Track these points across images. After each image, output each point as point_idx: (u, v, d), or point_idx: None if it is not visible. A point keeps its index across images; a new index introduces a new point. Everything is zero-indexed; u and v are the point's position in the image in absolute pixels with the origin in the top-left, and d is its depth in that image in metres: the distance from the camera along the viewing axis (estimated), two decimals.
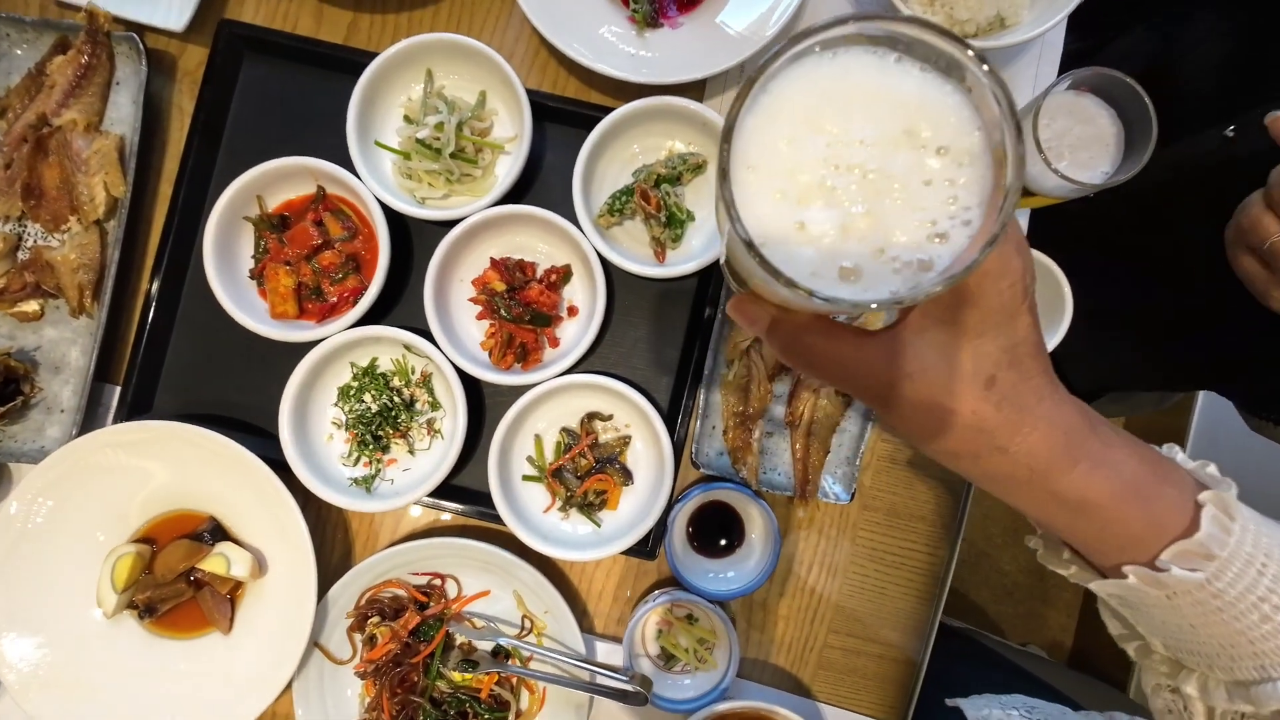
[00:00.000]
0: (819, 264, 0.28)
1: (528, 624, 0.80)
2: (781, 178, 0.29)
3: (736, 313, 0.36)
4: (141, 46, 0.80)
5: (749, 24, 0.78)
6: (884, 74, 0.28)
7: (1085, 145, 0.67)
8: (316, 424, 0.80)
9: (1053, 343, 0.70)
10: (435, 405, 0.81)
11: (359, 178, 0.76)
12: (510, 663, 0.80)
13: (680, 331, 0.82)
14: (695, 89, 0.83)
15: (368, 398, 0.79)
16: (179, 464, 0.78)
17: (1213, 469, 0.39)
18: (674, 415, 0.80)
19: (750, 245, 0.28)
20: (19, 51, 0.82)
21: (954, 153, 0.28)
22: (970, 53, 0.27)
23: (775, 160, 0.29)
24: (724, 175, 0.28)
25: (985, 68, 0.27)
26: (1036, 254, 0.72)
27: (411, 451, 0.81)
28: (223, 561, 0.77)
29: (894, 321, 0.33)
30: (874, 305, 0.27)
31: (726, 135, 0.28)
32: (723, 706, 0.74)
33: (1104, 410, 1.06)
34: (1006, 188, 0.26)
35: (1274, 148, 0.71)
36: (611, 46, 0.79)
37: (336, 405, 0.80)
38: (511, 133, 0.81)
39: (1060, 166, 0.64)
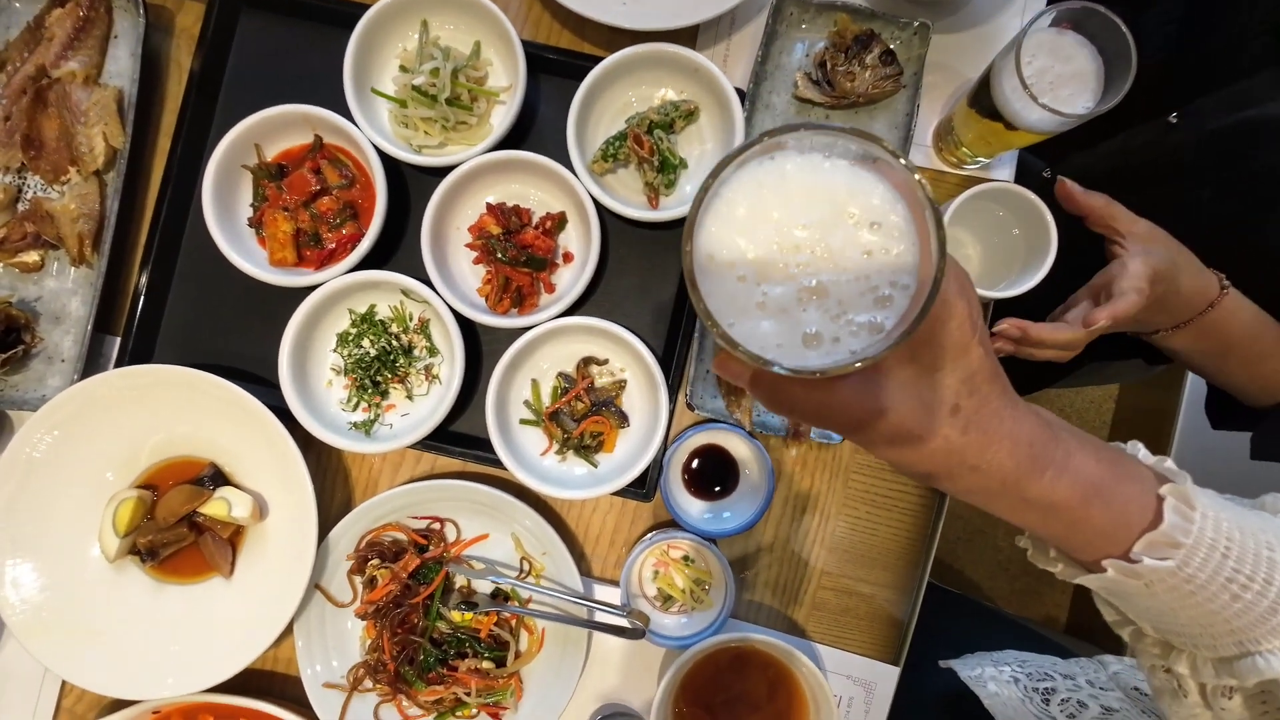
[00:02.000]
0: (782, 335, 0.33)
1: (526, 566, 0.81)
2: (738, 262, 0.33)
3: (721, 369, 0.41)
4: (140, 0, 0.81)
5: None
6: (816, 170, 0.33)
7: (1065, 82, 0.68)
8: (316, 370, 0.81)
9: (1039, 276, 0.72)
10: (433, 351, 0.82)
11: (356, 125, 0.77)
12: (509, 604, 0.81)
13: (674, 277, 0.83)
14: (687, 36, 0.84)
15: (366, 343, 0.80)
16: (181, 409, 0.79)
17: (1170, 464, 0.43)
18: (669, 359, 0.81)
19: (714, 323, 0.32)
20: (18, 4, 0.83)
21: (885, 227, 0.33)
22: (884, 147, 0.31)
23: (731, 248, 0.33)
24: (687, 264, 0.32)
25: (902, 161, 0.31)
26: (1023, 191, 0.73)
27: (410, 397, 0.82)
28: (223, 505, 0.78)
29: (868, 366, 0.37)
30: (835, 370, 0.31)
31: (688, 234, 0.33)
32: (718, 639, 0.75)
33: (1087, 379, 1.09)
34: (934, 250, 0.30)
35: (1215, 135, 0.74)
36: None
37: (335, 351, 0.81)
38: (506, 83, 0.82)
39: (1044, 101, 0.65)
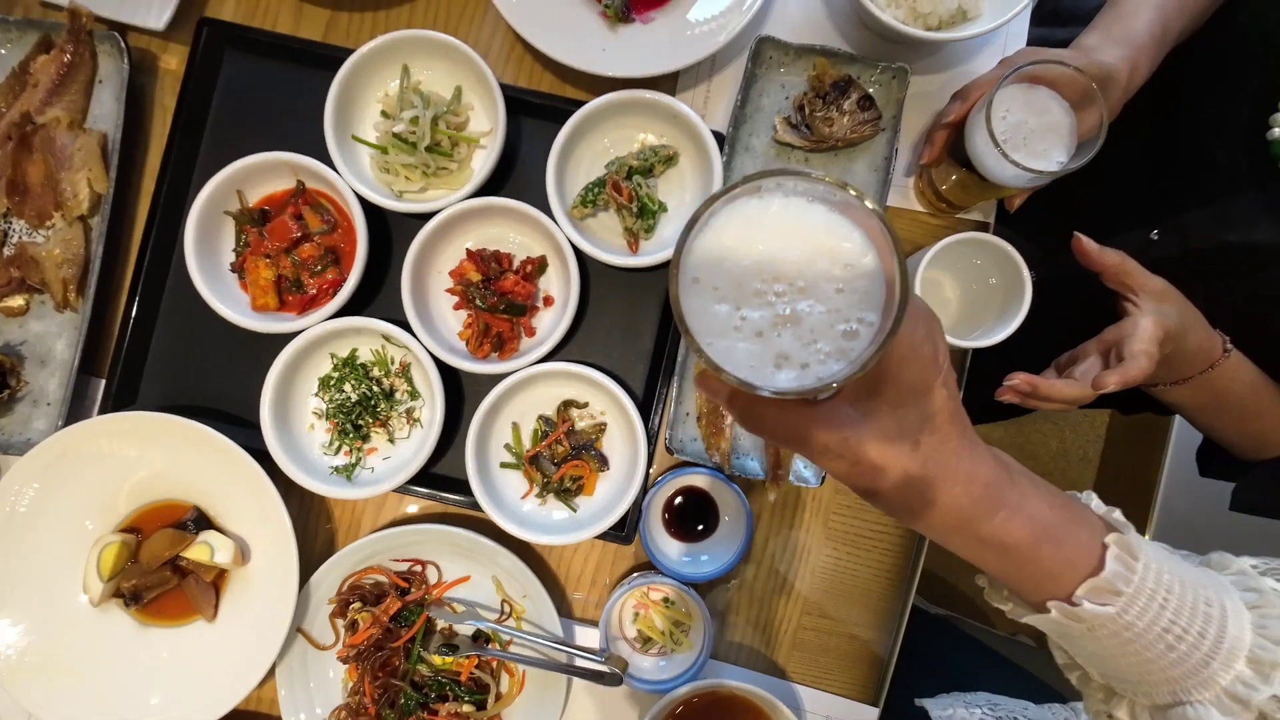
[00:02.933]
0: (756, 357, 0.35)
1: (507, 608, 0.82)
2: (721, 288, 0.36)
3: (701, 385, 0.43)
4: (123, 45, 0.82)
5: (718, 18, 0.80)
6: (799, 211, 0.36)
7: (1040, 136, 0.68)
8: (298, 414, 0.82)
9: (1012, 326, 0.72)
10: (414, 394, 0.82)
11: (337, 172, 0.78)
12: (490, 646, 0.81)
13: (654, 320, 0.84)
14: (667, 82, 0.85)
15: (348, 387, 0.81)
16: (164, 454, 0.80)
17: (1118, 514, 0.45)
18: (648, 402, 0.81)
19: (694, 341, 0.35)
20: (2, 51, 0.84)
21: (856, 269, 0.36)
22: (860, 199, 0.34)
23: (715, 274, 0.36)
24: (673, 285, 0.35)
25: (869, 205, 0.34)
26: (1000, 243, 0.73)
27: (391, 440, 0.82)
28: (206, 549, 0.78)
29: (833, 395, 0.40)
30: (800, 392, 0.34)
31: (677, 258, 0.35)
32: (694, 685, 0.76)
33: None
34: (898, 293, 0.33)
35: (1200, 254, 0.75)
36: (584, 41, 0.80)
37: (317, 395, 0.82)
38: (487, 127, 0.82)
39: (1017, 157, 0.65)
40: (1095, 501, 0.46)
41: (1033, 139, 0.68)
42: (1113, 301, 0.72)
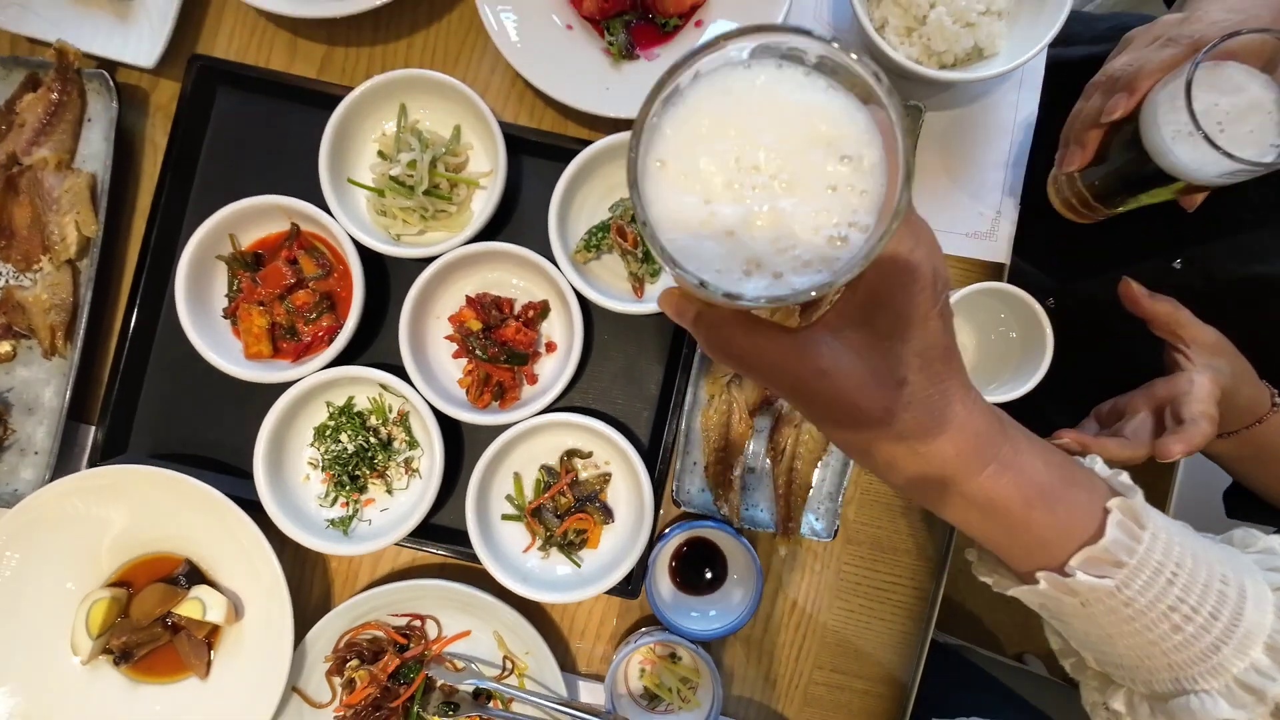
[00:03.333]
0: (723, 260, 0.30)
1: (509, 665, 0.79)
2: (690, 174, 0.30)
3: (665, 305, 0.38)
4: (112, 84, 0.79)
5: None
6: (794, 86, 0.30)
7: (1241, 118, 0.57)
8: (293, 465, 0.79)
9: (1032, 382, 0.69)
10: (413, 444, 0.80)
11: (332, 216, 0.75)
12: (491, 705, 0.79)
13: (659, 366, 0.81)
14: None
15: (344, 438, 0.78)
16: (151, 507, 0.77)
17: (1125, 477, 0.39)
18: (654, 451, 0.79)
19: (654, 236, 0.29)
20: None
21: (855, 161, 0.30)
22: (871, 69, 0.28)
23: (684, 158, 0.30)
24: (633, 168, 0.30)
25: (885, 84, 0.28)
26: (1028, 299, 0.70)
27: (390, 491, 0.80)
28: (198, 606, 0.76)
29: (813, 321, 0.35)
30: (767, 301, 0.29)
31: (638, 131, 0.30)
32: None
33: None
34: (898, 195, 0.28)
35: (1225, 285, 0.72)
36: (587, 80, 0.78)
37: (313, 445, 0.79)
38: (487, 167, 0.80)
39: (1226, 145, 0.53)
40: (1100, 465, 0.41)
41: (1230, 123, 0.57)
42: (1161, 351, 0.68)
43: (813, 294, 0.28)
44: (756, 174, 0.30)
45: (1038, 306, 0.69)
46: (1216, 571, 0.37)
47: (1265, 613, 0.37)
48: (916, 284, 0.32)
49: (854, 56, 0.28)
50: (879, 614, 0.82)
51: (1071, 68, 0.88)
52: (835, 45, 0.28)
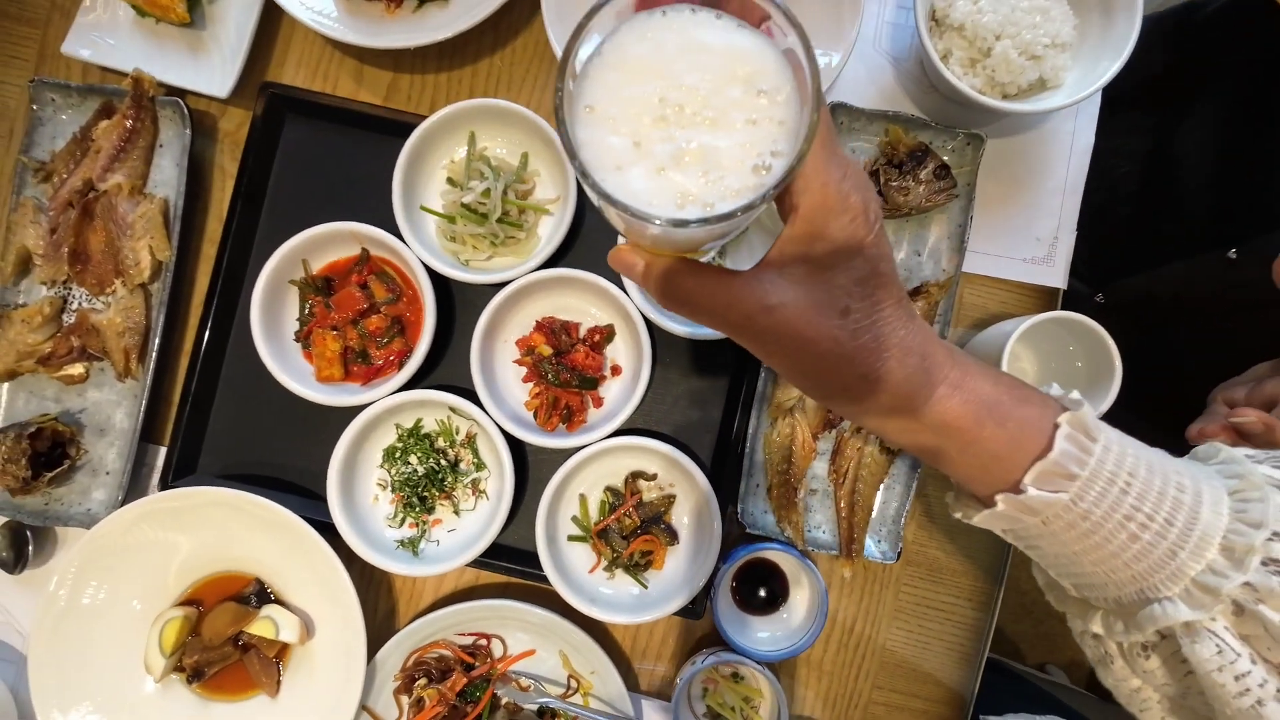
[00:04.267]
0: (656, 194, 0.31)
1: (573, 684, 0.80)
2: (619, 117, 0.32)
3: (615, 261, 0.39)
4: (186, 111, 0.81)
5: None
6: (708, 29, 0.32)
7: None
8: (362, 486, 0.80)
9: (1104, 405, 0.70)
10: (480, 466, 0.81)
11: (404, 242, 0.77)
12: None
13: (723, 389, 0.82)
14: None
15: (413, 459, 0.80)
16: (222, 527, 0.79)
17: (1076, 394, 0.40)
18: (718, 474, 0.80)
19: (585, 175, 0.31)
20: (64, 116, 0.83)
21: (771, 94, 0.32)
22: (775, 7, 0.31)
23: (612, 102, 0.32)
24: (561, 113, 0.31)
25: (788, 20, 0.31)
26: (1100, 331, 0.70)
27: (457, 512, 0.81)
28: (270, 625, 0.77)
29: (758, 264, 0.36)
30: (702, 223, 0.30)
31: (564, 77, 0.31)
32: None
33: None
34: (810, 118, 0.30)
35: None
36: None
37: (382, 467, 0.81)
38: (554, 193, 0.81)
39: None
40: (1055, 389, 0.42)
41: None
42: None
43: (744, 214, 0.30)
44: (682, 113, 0.32)
45: (1108, 337, 0.70)
46: (1172, 480, 0.37)
47: (1220, 514, 0.36)
48: (847, 214, 0.34)
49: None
50: (937, 634, 0.83)
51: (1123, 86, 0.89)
52: None
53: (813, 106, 0.30)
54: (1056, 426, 0.37)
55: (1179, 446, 0.44)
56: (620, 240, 0.42)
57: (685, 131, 0.32)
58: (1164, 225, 0.90)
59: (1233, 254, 0.77)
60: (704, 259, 0.41)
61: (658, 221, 0.30)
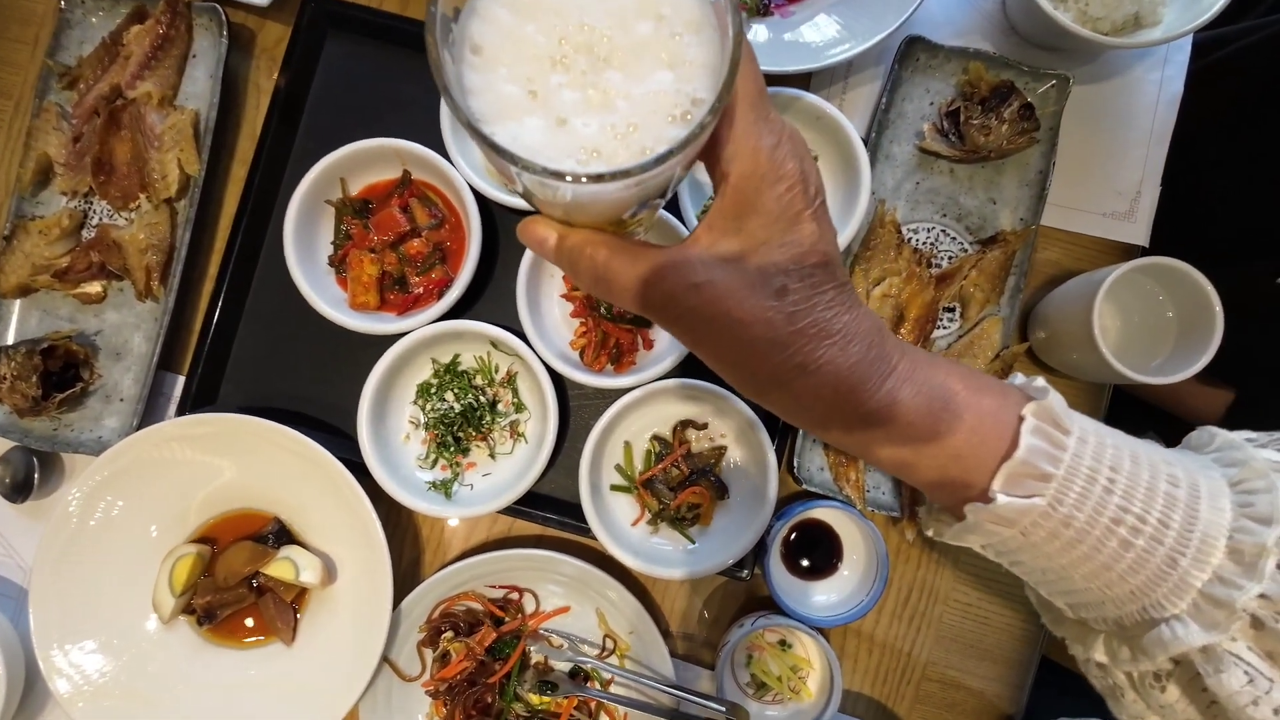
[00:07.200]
0: (558, 150, 0.27)
1: (610, 644, 0.75)
2: (513, 61, 0.27)
3: (524, 234, 0.34)
4: (224, 19, 0.76)
5: (862, 17, 0.74)
6: None
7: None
8: (393, 423, 0.75)
9: (1200, 363, 0.65)
10: (520, 407, 0.76)
11: (451, 163, 0.72)
12: (590, 685, 0.75)
13: None
14: (798, 82, 0.79)
15: (450, 396, 0.75)
16: (244, 460, 0.74)
17: (1040, 381, 0.35)
18: (772, 425, 0.75)
19: (474, 128, 0.26)
20: (94, 19, 0.78)
21: (688, 33, 0.28)
22: None
23: (505, 41, 0.27)
24: (438, 58, 0.26)
25: None
26: (1185, 268, 0.66)
27: (492, 455, 0.76)
28: (289, 567, 0.72)
29: (684, 239, 0.32)
30: (620, 173, 0.25)
31: (435, 20, 0.26)
32: None
33: None
34: (728, 60, 0.26)
35: None
36: None
37: (415, 403, 0.76)
38: None
39: None
40: (1019, 378, 0.36)
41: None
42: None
43: (657, 167, 0.26)
44: (586, 55, 0.27)
45: (1207, 284, 0.65)
46: (1162, 471, 0.32)
47: (1222, 510, 0.31)
48: (783, 183, 0.30)
49: None
50: (998, 610, 0.78)
51: (1218, 48, 0.85)
52: None
53: (733, 45, 0.26)
54: (1021, 419, 0.32)
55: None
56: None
57: (589, 76, 0.27)
58: (1260, 214, 0.85)
59: None
60: (634, 233, 0.36)
61: (568, 179, 0.25)
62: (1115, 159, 0.79)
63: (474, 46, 0.27)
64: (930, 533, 0.38)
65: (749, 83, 0.29)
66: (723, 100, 0.26)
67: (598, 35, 0.27)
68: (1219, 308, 0.64)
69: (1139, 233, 0.78)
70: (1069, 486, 0.31)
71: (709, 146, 0.30)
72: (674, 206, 0.73)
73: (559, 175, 0.25)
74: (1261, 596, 0.30)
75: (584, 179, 0.25)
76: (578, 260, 0.32)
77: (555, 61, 0.27)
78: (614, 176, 0.25)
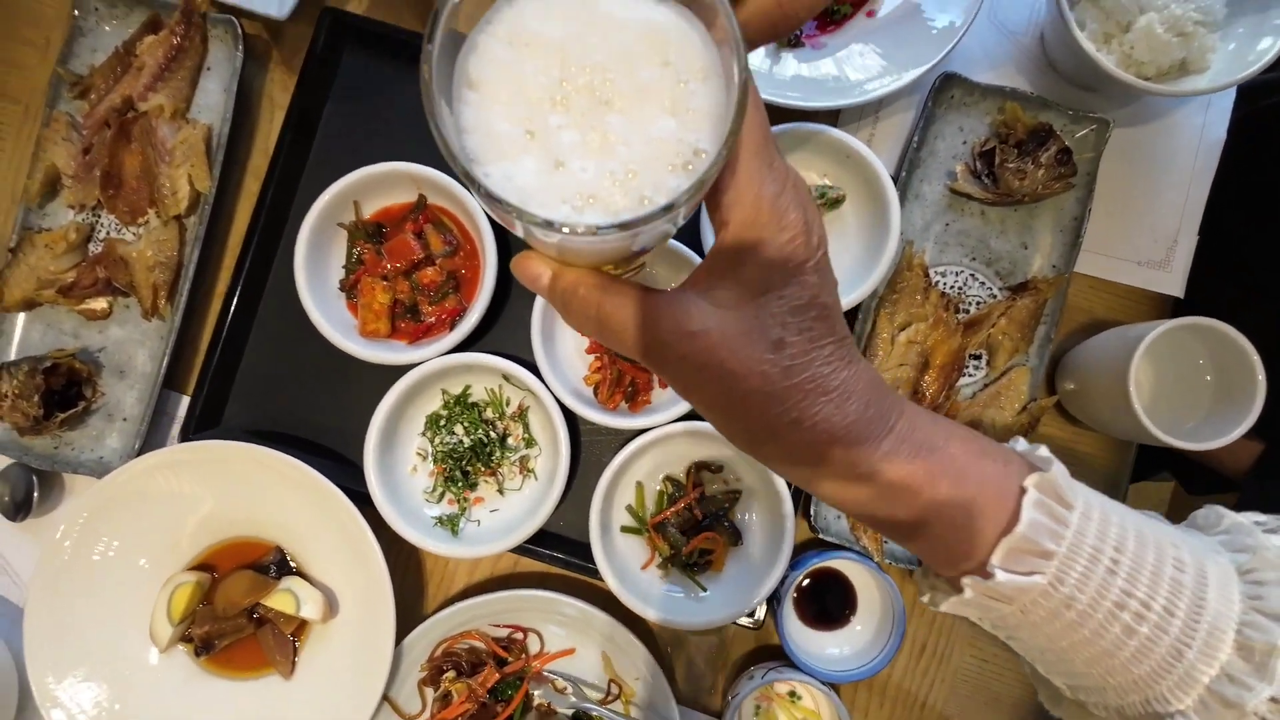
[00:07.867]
0: (553, 194, 0.26)
1: (615, 689, 0.73)
2: (510, 100, 0.26)
3: (517, 269, 0.33)
4: (239, 31, 0.74)
5: (899, 48, 0.72)
6: (622, 3, 0.27)
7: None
8: (401, 454, 0.73)
9: (1244, 425, 0.63)
10: (530, 442, 0.74)
11: (466, 188, 0.70)
12: None
13: None
14: (826, 118, 0.76)
15: (459, 429, 0.73)
16: (244, 487, 0.72)
17: (1043, 450, 0.33)
18: None
19: (469, 175, 0.25)
20: (107, 28, 0.77)
21: (695, 81, 0.27)
22: None
23: (502, 78, 0.26)
24: (430, 90, 0.25)
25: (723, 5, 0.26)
26: (1232, 333, 0.63)
27: (501, 491, 0.74)
28: (290, 599, 0.70)
29: (681, 284, 0.31)
30: (620, 225, 0.24)
31: (431, 45, 0.25)
32: None
33: None
34: (736, 102, 0.25)
35: None
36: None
37: (424, 435, 0.74)
38: None
39: None
40: (1021, 444, 0.35)
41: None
42: None
43: (659, 219, 0.25)
44: (588, 96, 0.26)
45: (1249, 347, 0.62)
46: (1168, 554, 0.31)
47: (1231, 600, 0.30)
48: (785, 233, 0.29)
49: None
50: (1014, 663, 0.76)
51: (1265, 91, 0.82)
52: None
53: (739, 94, 0.25)
54: (1023, 491, 0.31)
55: None
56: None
57: (590, 118, 0.26)
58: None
59: None
60: (628, 275, 0.35)
61: (563, 230, 0.24)
62: (1152, 205, 0.76)
63: (470, 82, 0.26)
64: (925, 600, 0.36)
65: (754, 129, 0.28)
66: (726, 153, 0.25)
67: (600, 77, 0.26)
68: (1262, 376, 0.62)
69: (1174, 283, 0.76)
70: (1071, 565, 0.30)
71: (710, 191, 0.29)
72: (694, 226, 0.71)
73: (553, 226, 0.24)
74: (1272, 700, 0.28)
75: (580, 230, 0.24)
76: (570, 301, 0.31)
77: (555, 101, 0.26)
78: (610, 229, 0.24)
